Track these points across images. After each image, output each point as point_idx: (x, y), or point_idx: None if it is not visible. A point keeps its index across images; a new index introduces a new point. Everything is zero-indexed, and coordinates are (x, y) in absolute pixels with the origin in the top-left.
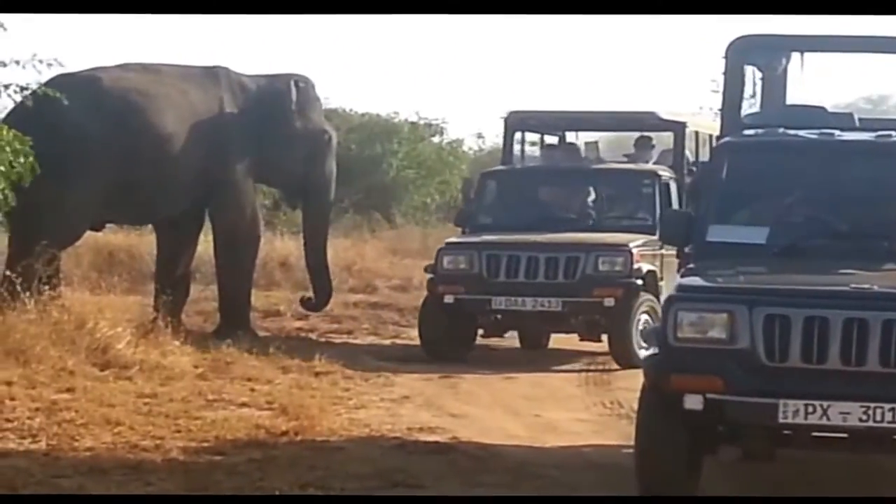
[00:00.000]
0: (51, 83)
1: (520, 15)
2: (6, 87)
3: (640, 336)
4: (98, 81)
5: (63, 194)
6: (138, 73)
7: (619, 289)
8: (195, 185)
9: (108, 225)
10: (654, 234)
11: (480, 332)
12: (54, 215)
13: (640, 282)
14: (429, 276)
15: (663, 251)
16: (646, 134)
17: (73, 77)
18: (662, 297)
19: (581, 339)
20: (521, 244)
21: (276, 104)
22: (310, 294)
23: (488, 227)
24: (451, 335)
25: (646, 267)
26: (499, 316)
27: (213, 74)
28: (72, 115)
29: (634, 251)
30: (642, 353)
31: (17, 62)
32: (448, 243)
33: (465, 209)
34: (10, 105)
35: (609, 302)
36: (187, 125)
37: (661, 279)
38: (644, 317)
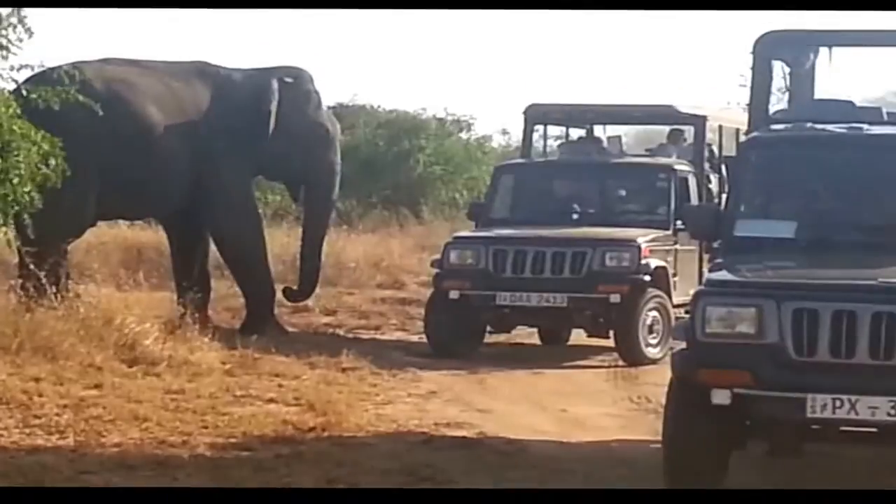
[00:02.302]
0: (33, 79)
1: (547, 10)
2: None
3: (647, 333)
4: (82, 75)
5: (61, 191)
6: (122, 66)
7: (625, 285)
8: (186, 181)
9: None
10: (668, 229)
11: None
12: (56, 211)
13: (647, 278)
14: (435, 270)
15: (677, 246)
16: (678, 127)
17: (56, 72)
18: (675, 294)
19: (588, 336)
20: (527, 239)
21: (262, 98)
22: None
23: (501, 221)
24: (457, 331)
25: (655, 263)
26: (506, 311)
27: (198, 69)
28: (59, 111)
29: (643, 246)
30: (649, 351)
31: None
32: (455, 238)
33: (478, 203)
34: None
35: (615, 298)
36: (173, 120)
37: (675, 275)
38: (652, 313)
